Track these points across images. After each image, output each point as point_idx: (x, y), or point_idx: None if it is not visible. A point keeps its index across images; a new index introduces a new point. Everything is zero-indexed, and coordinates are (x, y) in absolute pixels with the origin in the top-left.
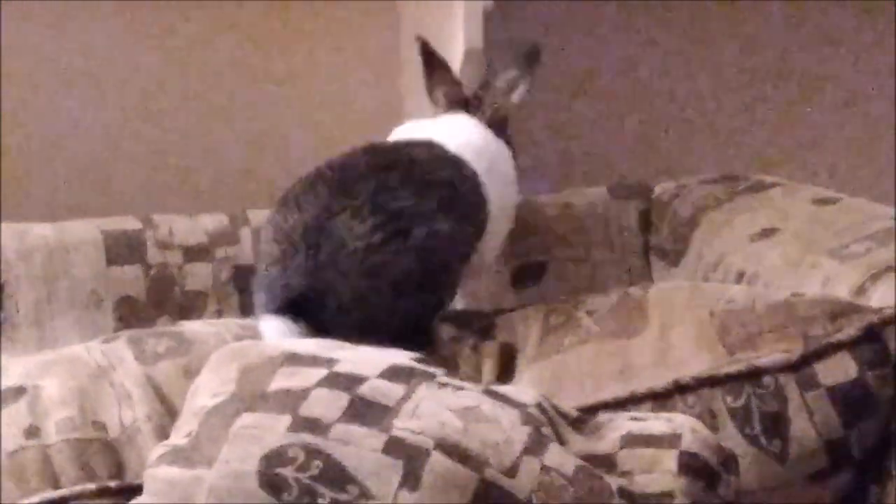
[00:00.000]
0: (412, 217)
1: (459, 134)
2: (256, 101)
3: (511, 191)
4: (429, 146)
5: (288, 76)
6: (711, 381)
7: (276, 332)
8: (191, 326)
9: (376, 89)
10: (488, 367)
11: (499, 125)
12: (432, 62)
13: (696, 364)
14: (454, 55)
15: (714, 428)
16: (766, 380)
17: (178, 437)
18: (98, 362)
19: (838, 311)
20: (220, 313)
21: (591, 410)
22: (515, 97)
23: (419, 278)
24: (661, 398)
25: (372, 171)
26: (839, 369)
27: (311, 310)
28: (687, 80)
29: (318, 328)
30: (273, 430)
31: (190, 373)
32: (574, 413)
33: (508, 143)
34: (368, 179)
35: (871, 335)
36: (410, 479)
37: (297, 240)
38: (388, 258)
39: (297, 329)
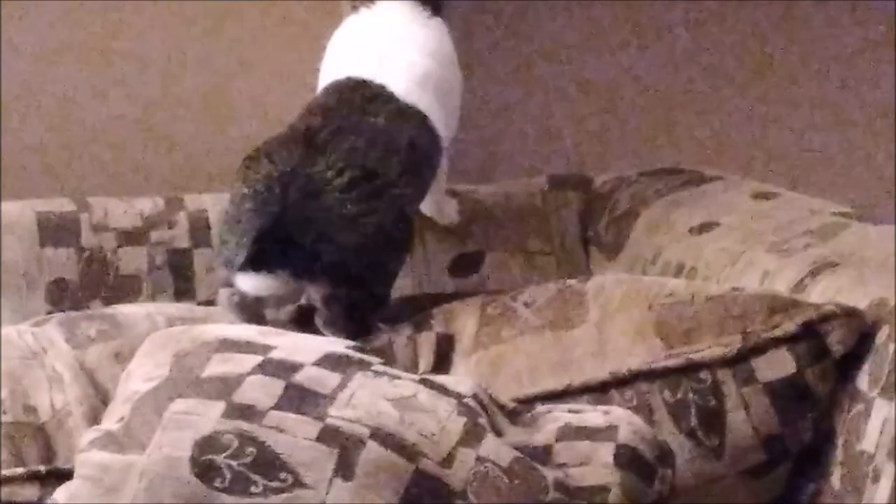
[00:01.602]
0: (384, 176)
1: (409, 62)
2: (203, 87)
3: (455, 88)
4: (384, 103)
5: (237, 57)
6: (648, 375)
7: (253, 286)
8: (123, 310)
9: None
10: (424, 358)
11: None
12: None
13: (633, 357)
14: None
15: (651, 422)
16: (704, 374)
17: (110, 422)
18: (29, 345)
19: (777, 307)
20: (154, 297)
21: (528, 402)
22: None
23: (386, 235)
24: (597, 391)
25: (341, 134)
26: (777, 365)
27: (278, 257)
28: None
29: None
30: (206, 416)
31: (122, 356)
32: (511, 404)
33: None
34: (340, 141)
35: (810, 331)
36: (344, 467)
37: (273, 184)
38: (364, 211)
39: (271, 280)
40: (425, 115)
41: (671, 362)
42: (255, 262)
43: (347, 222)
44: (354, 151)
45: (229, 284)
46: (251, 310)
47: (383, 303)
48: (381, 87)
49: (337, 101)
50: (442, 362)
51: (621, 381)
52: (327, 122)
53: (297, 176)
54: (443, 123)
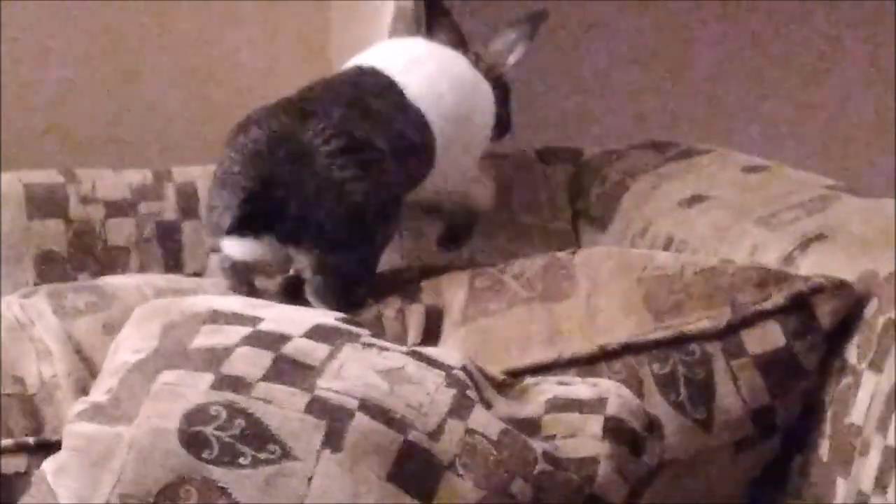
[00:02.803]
0: (372, 148)
1: (428, 73)
2: (192, 58)
3: (478, 136)
4: (389, 92)
5: (224, 28)
6: (637, 348)
7: (239, 251)
8: (111, 281)
9: (305, 52)
10: (413, 331)
11: (492, 83)
12: (434, 7)
13: (622, 330)
14: (385, 13)
15: (640, 395)
16: (693, 347)
17: (98, 394)
18: (17, 317)
19: (766, 280)
20: (142, 269)
21: (517, 375)
22: (511, 59)
23: (374, 205)
24: (586, 363)
25: (335, 104)
26: (766, 338)
27: (265, 221)
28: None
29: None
30: (195, 387)
31: (110, 328)
32: (500, 376)
33: (501, 100)
34: (331, 111)
35: (799, 304)
36: (333, 439)
37: (261, 148)
38: (352, 178)
39: (258, 245)
40: (426, 122)
41: (660, 335)
42: (242, 226)
43: (335, 188)
44: (346, 120)
45: (217, 250)
46: (241, 276)
47: (370, 274)
48: (394, 82)
49: (341, 80)
50: (431, 335)
51: (610, 354)
52: (324, 94)
53: (286, 140)
54: (444, 150)
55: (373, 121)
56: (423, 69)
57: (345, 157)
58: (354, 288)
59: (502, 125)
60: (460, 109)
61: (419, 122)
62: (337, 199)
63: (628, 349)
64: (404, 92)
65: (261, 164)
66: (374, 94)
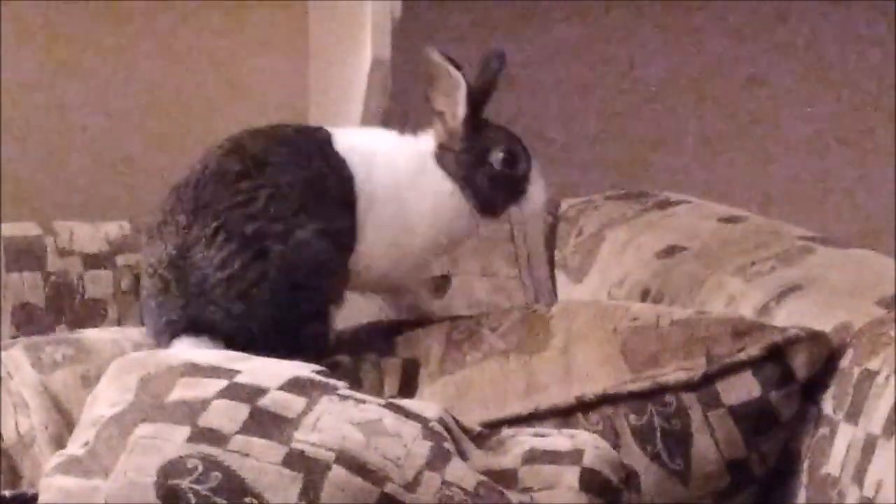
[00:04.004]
0: (265, 236)
1: (377, 145)
2: (165, 106)
3: (416, 229)
4: (307, 142)
5: (196, 81)
6: (614, 399)
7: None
8: (89, 334)
9: (283, 96)
10: (390, 384)
11: (463, 173)
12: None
13: (599, 381)
14: (361, 65)
15: (617, 446)
16: (669, 398)
17: (75, 447)
18: None
19: (742, 330)
20: (120, 322)
21: (494, 426)
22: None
23: (290, 289)
24: (563, 415)
25: (223, 184)
26: (742, 388)
27: (200, 331)
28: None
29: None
30: (171, 440)
31: (88, 381)
32: (476, 428)
33: (467, 188)
34: (220, 196)
35: (775, 354)
36: (310, 492)
37: (165, 274)
38: (253, 280)
39: (205, 343)
40: (352, 177)
41: (636, 386)
42: (178, 334)
43: (241, 297)
44: (236, 207)
45: None
46: None
47: (319, 324)
48: (329, 137)
49: (251, 136)
50: (407, 387)
51: (587, 405)
52: (217, 163)
53: (184, 262)
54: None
55: (270, 185)
56: (365, 140)
57: (237, 260)
58: (309, 343)
59: (486, 202)
60: (396, 190)
61: (338, 172)
62: (250, 304)
63: (605, 400)
64: (334, 144)
65: (171, 292)
66: (277, 155)
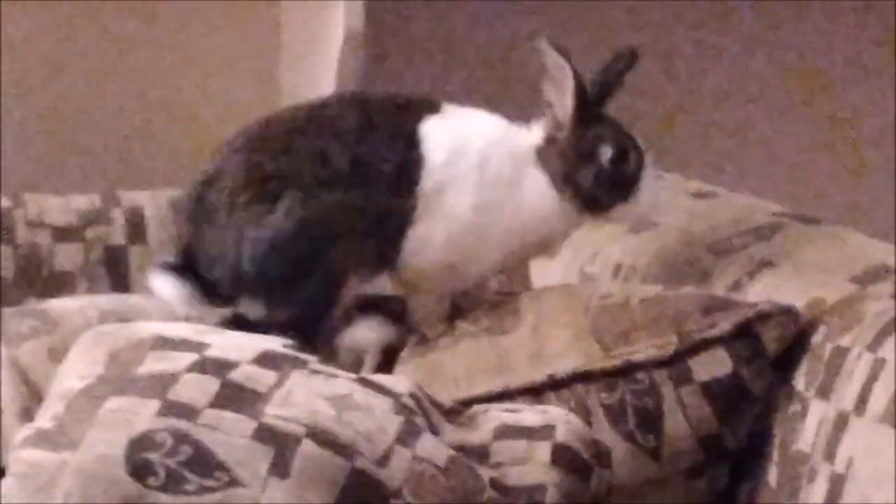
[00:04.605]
0: (280, 194)
1: (477, 132)
2: (141, 83)
3: (503, 215)
4: (387, 115)
5: (165, 51)
6: (585, 377)
7: (164, 288)
8: (56, 304)
9: (255, 68)
10: (367, 369)
11: (566, 170)
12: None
13: (570, 360)
14: (334, 37)
15: (589, 424)
16: (641, 375)
17: (43, 420)
18: None
19: (713, 306)
20: (89, 294)
21: (466, 405)
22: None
23: (291, 255)
24: (535, 393)
25: (271, 135)
26: (713, 364)
27: (188, 281)
28: None
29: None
30: (141, 414)
31: (55, 353)
32: (448, 404)
33: (568, 185)
34: (259, 146)
35: (746, 330)
36: (280, 466)
37: (187, 204)
38: (252, 219)
39: (184, 287)
40: (421, 159)
41: (608, 364)
42: (172, 268)
43: (236, 235)
44: (259, 151)
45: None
46: None
47: (324, 309)
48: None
49: (323, 104)
50: (384, 372)
51: (558, 384)
52: (285, 118)
53: (200, 195)
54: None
55: (310, 148)
56: (465, 124)
57: (244, 194)
58: (311, 330)
59: (590, 200)
60: (481, 181)
61: (409, 149)
62: (239, 246)
63: (576, 379)
64: (420, 123)
65: (182, 229)
66: (372, 110)
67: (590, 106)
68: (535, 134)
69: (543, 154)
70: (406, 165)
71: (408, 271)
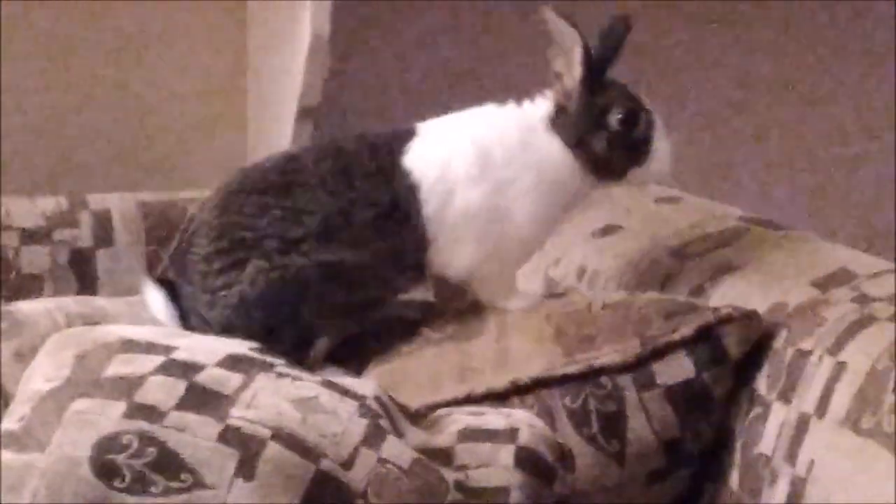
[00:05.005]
0: (253, 249)
1: (470, 129)
2: (110, 86)
3: (517, 200)
4: (365, 159)
5: (132, 54)
6: (549, 382)
7: (154, 302)
8: (23, 307)
9: (222, 71)
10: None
11: (578, 135)
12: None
13: (534, 365)
14: (301, 41)
15: (553, 428)
16: (604, 380)
17: (10, 422)
18: None
19: (675, 311)
20: (56, 297)
21: (430, 409)
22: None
23: (259, 315)
24: (499, 399)
25: (253, 190)
26: (676, 368)
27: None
28: None
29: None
30: (107, 416)
31: (22, 356)
32: (413, 407)
33: (581, 151)
34: (241, 201)
35: (708, 334)
36: (246, 468)
37: (176, 250)
38: (225, 284)
39: (171, 312)
40: (415, 186)
41: (571, 369)
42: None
43: (209, 298)
44: (232, 213)
45: None
46: None
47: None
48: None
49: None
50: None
51: (522, 389)
52: (261, 173)
53: (184, 249)
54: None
55: (294, 203)
56: (453, 128)
57: (218, 261)
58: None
59: (603, 165)
60: (488, 167)
61: (390, 176)
62: (212, 308)
63: (540, 384)
64: (403, 153)
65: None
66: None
67: (597, 72)
68: (540, 106)
69: (555, 122)
70: (398, 200)
71: (452, 277)
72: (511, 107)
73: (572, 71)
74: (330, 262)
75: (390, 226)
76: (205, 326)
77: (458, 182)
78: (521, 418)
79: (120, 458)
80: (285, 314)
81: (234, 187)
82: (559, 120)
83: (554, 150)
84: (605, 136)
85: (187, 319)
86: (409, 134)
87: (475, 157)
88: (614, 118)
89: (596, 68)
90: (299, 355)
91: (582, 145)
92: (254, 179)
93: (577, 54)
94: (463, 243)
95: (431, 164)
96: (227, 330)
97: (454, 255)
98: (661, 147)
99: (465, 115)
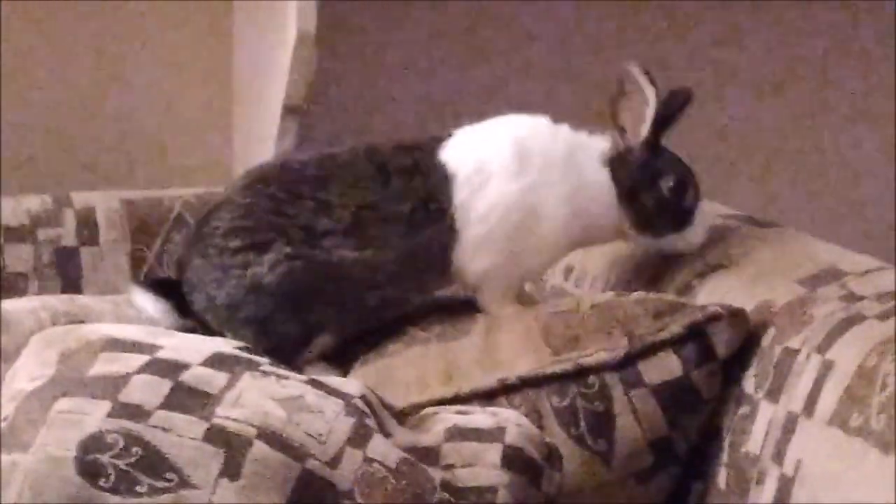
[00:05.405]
0: (272, 237)
1: (527, 129)
2: (94, 85)
3: (553, 222)
4: (398, 161)
5: (116, 55)
6: (536, 381)
7: (143, 302)
8: (7, 306)
9: (207, 70)
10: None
11: (630, 186)
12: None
13: (521, 365)
14: (287, 39)
15: (540, 428)
16: (592, 379)
17: None
18: None
19: (662, 310)
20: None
21: (417, 408)
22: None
23: (270, 304)
24: (486, 398)
25: (278, 183)
26: (664, 368)
27: (167, 290)
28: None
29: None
30: (92, 415)
31: (7, 355)
32: (399, 406)
33: (628, 201)
34: (254, 192)
35: (695, 333)
36: (231, 467)
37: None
38: (238, 264)
39: (163, 306)
40: (449, 177)
41: (559, 368)
42: (153, 286)
43: (219, 274)
44: (263, 195)
45: None
46: None
47: (293, 353)
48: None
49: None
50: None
51: (510, 388)
52: (300, 162)
53: (202, 220)
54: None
55: (316, 198)
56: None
57: (234, 240)
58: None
59: (645, 221)
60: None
61: (427, 172)
62: (220, 286)
63: (527, 383)
64: (439, 150)
65: (181, 245)
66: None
67: (660, 136)
68: (598, 139)
69: (612, 162)
70: (433, 192)
71: (471, 276)
72: (564, 125)
73: (639, 128)
74: (352, 259)
75: (421, 220)
76: (207, 305)
77: (495, 174)
78: (508, 417)
79: (104, 458)
80: (296, 305)
81: (268, 173)
82: (616, 163)
83: (601, 180)
84: (655, 197)
85: (185, 307)
86: (447, 135)
87: (515, 154)
88: (667, 185)
89: (658, 131)
90: (297, 350)
91: (632, 197)
92: (290, 169)
93: (650, 114)
94: (486, 241)
95: (469, 157)
96: (230, 310)
97: (475, 255)
98: (700, 224)
99: (507, 119)
